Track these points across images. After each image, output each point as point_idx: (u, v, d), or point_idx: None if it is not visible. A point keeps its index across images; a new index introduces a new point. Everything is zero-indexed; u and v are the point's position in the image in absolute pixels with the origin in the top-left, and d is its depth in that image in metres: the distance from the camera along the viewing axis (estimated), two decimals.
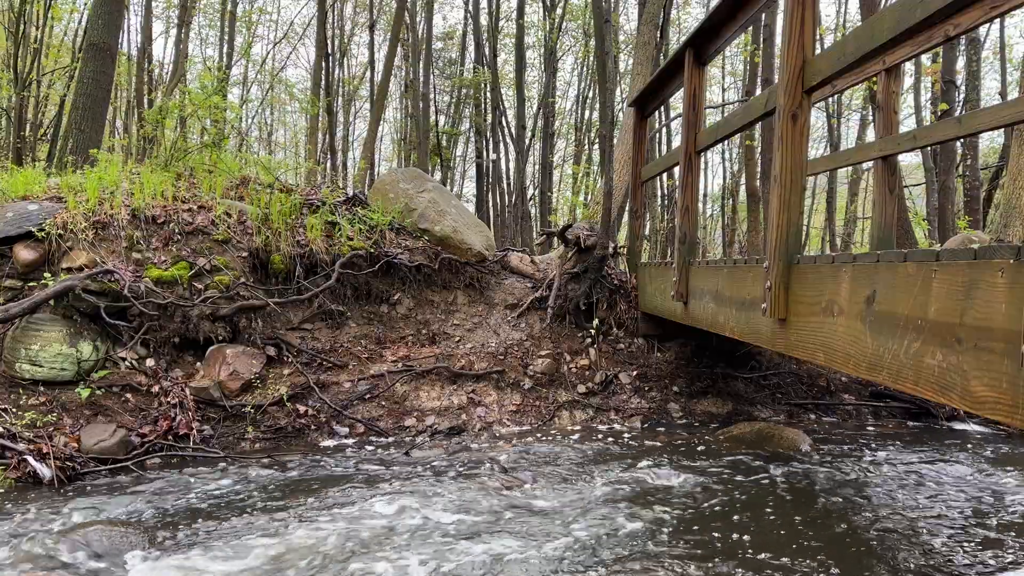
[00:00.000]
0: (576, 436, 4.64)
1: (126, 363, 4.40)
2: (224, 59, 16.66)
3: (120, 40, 9.78)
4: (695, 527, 3.02)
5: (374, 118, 14.00)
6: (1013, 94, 13.20)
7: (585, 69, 19.82)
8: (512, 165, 17.50)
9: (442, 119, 20.46)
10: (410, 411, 4.76)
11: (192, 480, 3.53)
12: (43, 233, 4.58)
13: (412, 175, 6.47)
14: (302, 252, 5.27)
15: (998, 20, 11.22)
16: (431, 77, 17.86)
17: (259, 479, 3.58)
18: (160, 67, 17.39)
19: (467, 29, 19.24)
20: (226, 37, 17.00)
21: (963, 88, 11.39)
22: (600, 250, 5.74)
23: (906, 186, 12.22)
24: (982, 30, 12.62)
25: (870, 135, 15.15)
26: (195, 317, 4.62)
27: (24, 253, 4.54)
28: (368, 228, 5.64)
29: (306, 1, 21.22)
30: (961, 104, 11.09)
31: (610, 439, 4.60)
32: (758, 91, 12.15)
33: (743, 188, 15.35)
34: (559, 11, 17.64)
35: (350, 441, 4.40)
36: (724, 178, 19.75)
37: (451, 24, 28.63)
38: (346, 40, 20.11)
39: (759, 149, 11.96)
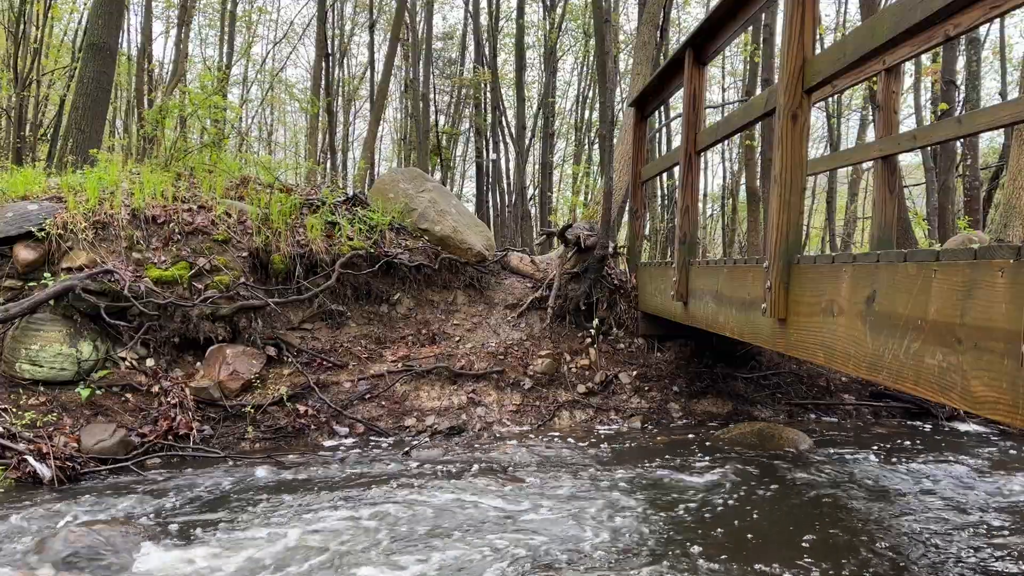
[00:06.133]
0: (576, 436, 4.64)
1: (126, 363, 4.40)
2: (224, 59, 16.67)
3: (120, 40, 9.79)
4: (695, 527, 3.02)
5: (374, 118, 14.00)
6: (1013, 94, 13.21)
7: (585, 69, 19.83)
8: (512, 165, 17.51)
9: (442, 119, 20.46)
10: (410, 411, 4.76)
11: (192, 480, 3.54)
12: (43, 233, 4.58)
13: (412, 175, 6.47)
14: (302, 252, 5.27)
15: (998, 20, 11.22)
16: (431, 77, 17.86)
17: (259, 479, 3.59)
18: (160, 67, 17.38)
19: (467, 29, 19.24)
20: (226, 37, 17.01)
21: (963, 88, 11.39)
22: (600, 250, 5.74)
23: (906, 186, 12.23)
24: (982, 30, 12.63)
25: (870, 135, 15.15)
26: (195, 317, 4.62)
27: (24, 253, 4.54)
28: (368, 228, 5.64)
29: (306, 1, 21.24)
30: (961, 104, 11.09)
31: (610, 439, 4.60)
32: (758, 91, 12.15)
33: (743, 188, 15.35)
34: (559, 11, 17.65)
35: (350, 441, 4.41)
36: (724, 178, 19.76)
37: (451, 24, 28.64)
38: (346, 40, 20.11)
39: (759, 149, 11.96)
